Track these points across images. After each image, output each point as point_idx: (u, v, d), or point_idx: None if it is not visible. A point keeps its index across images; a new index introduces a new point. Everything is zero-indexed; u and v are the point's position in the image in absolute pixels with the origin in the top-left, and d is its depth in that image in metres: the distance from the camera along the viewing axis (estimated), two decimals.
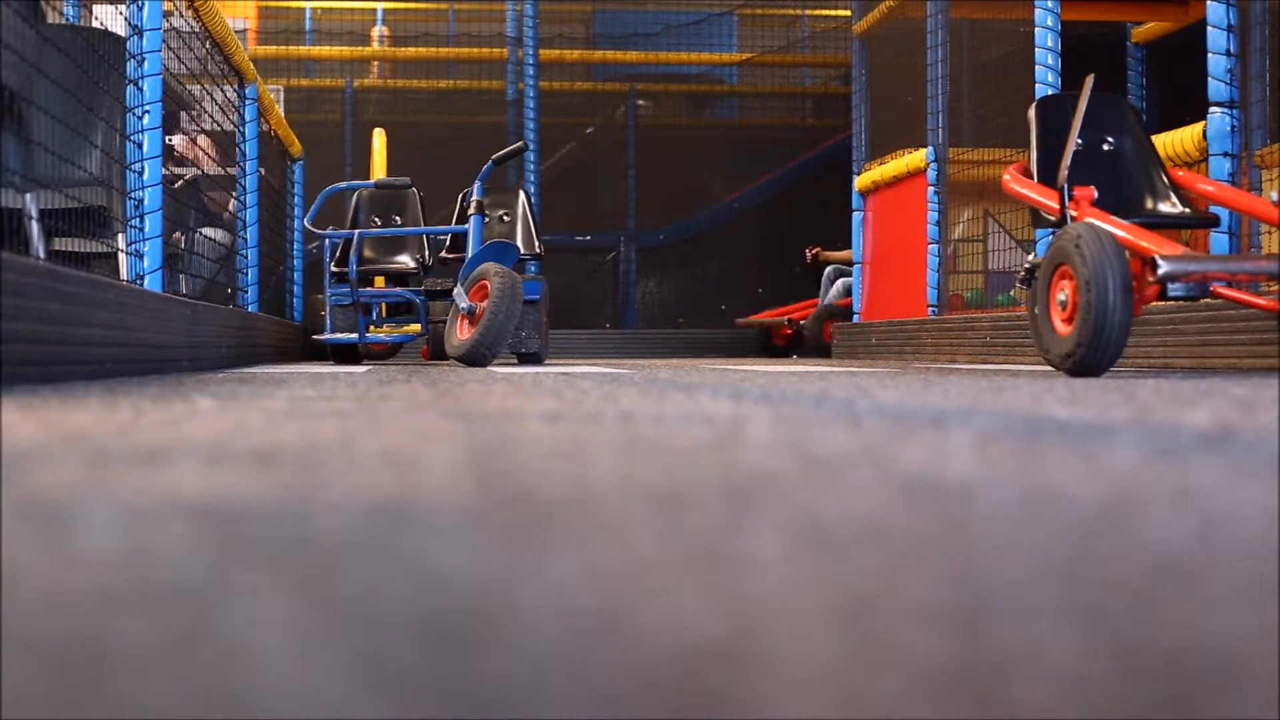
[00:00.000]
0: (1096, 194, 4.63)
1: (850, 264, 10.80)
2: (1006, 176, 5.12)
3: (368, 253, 8.00)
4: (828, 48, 14.31)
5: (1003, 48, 8.79)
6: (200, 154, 7.40)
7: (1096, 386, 3.37)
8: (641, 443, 1.64)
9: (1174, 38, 8.54)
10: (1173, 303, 5.34)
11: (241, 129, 7.57)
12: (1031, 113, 5.16)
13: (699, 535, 0.92)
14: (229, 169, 7.70)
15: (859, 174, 9.93)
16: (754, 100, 14.60)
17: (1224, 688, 0.55)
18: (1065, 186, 4.62)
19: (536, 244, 8.29)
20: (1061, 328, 4.26)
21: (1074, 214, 4.58)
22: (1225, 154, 5.53)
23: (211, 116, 7.08)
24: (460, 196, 7.33)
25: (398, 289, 7.87)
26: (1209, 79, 5.57)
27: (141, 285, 4.66)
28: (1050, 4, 6.84)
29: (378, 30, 14.69)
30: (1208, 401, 2.54)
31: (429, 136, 13.59)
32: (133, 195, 4.72)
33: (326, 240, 7.65)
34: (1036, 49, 6.84)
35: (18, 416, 1.94)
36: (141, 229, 4.77)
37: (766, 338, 12.24)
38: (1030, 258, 4.65)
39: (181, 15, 5.93)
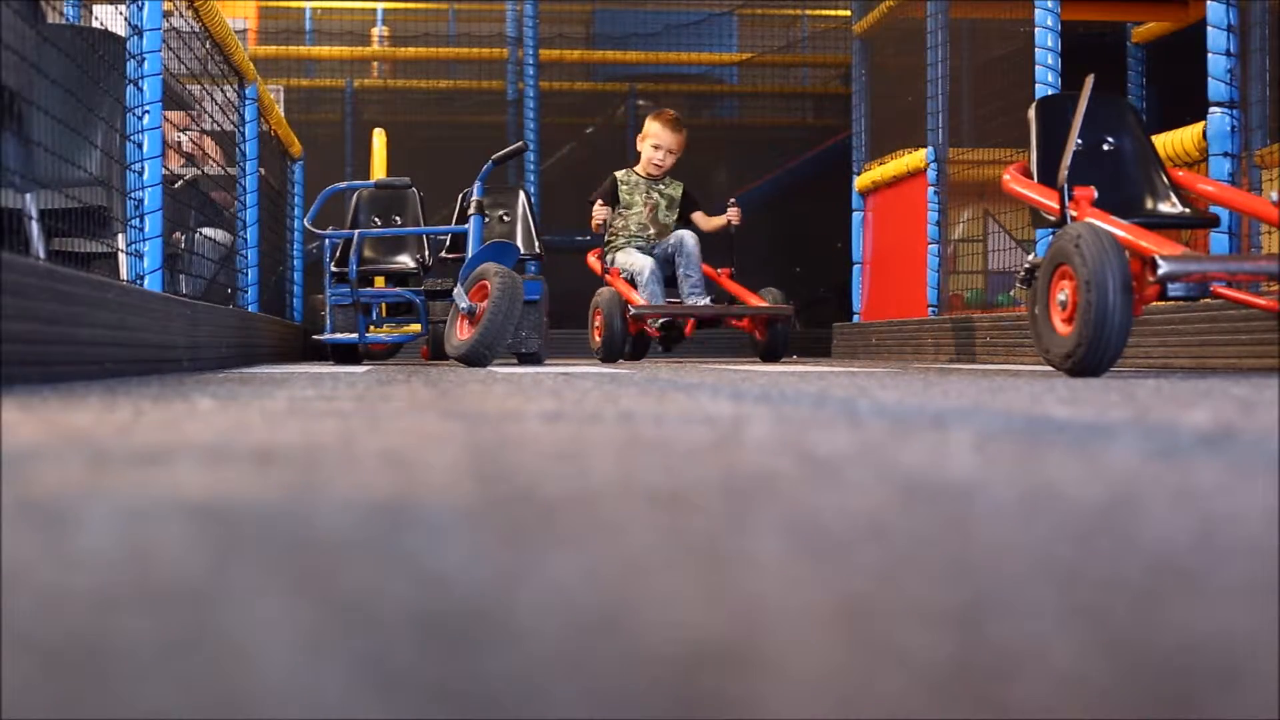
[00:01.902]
0: (1096, 194, 4.63)
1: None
2: (1006, 176, 5.12)
3: (368, 253, 8.01)
4: (828, 48, 14.30)
5: (1003, 48, 8.79)
6: (204, 153, 7.41)
7: (1096, 386, 3.37)
8: (642, 442, 1.64)
9: (1174, 38, 8.54)
10: (1173, 303, 5.34)
11: (241, 129, 7.57)
12: (1031, 113, 5.17)
13: (699, 535, 0.92)
14: (229, 169, 7.71)
15: (859, 174, 9.93)
16: (754, 100, 14.60)
17: (1224, 687, 0.55)
18: (1065, 186, 4.63)
19: (536, 244, 8.29)
20: (1061, 328, 4.26)
21: (1074, 214, 4.59)
22: (1225, 154, 5.53)
23: (211, 116, 7.08)
24: (460, 196, 7.33)
25: (398, 289, 7.87)
26: (1209, 79, 5.57)
27: (141, 285, 4.67)
28: (1050, 4, 6.84)
29: (378, 30, 14.69)
30: (1208, 401, 2.54)
31: (429, 136, 13.58)
32: (133, 195, 4.72)
33: (326, 240, 7.65)
34: (1036, 49, 6.84)
35: (18, 416, 1.94)
36: (141, 229, 4.77)
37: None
38: (1030, 258, 4.65)
39: (181, 15, 5.93)
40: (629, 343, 8.36)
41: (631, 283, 8.35)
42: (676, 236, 8.36)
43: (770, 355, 8.26)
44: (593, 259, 8.72)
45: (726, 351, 10.38)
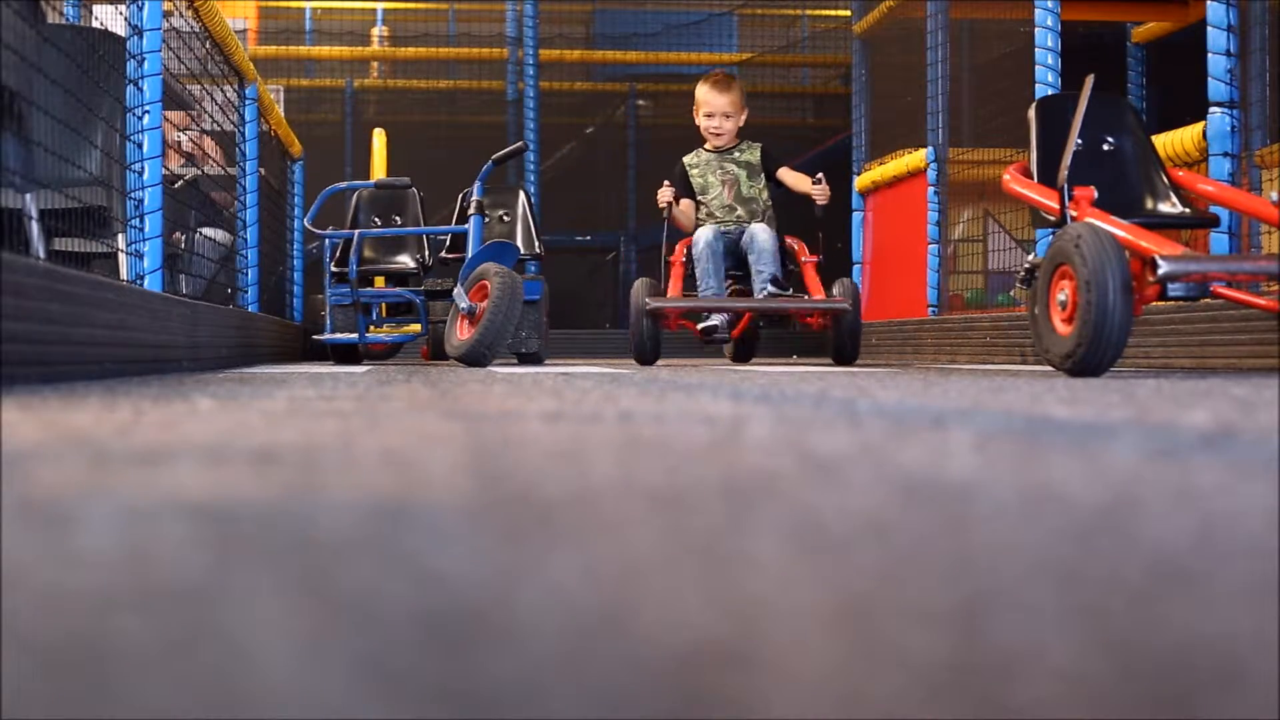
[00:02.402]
0: (1096, 194, 4.63)
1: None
2: (1006, 176, 5.12)
3: (368, 253, 8.01)
4: (828, 48, 14.30)
5: (1003, 48, 8.79)
6: (204, 153, 7.41)
7: (1096, 386, 3.37)
8: (641, 442, 1.64)
9: (1174, 38, 8.54)
10: (1173, 303, 5.34)
11: (241, 129, 7.57)
12: (1031, 113, 5.16)
13: (699, 535, 0.92)
14: (229, 169, 7.71)
15: (859, 174, 9.93)
16: (754, 100, 14.58)
17: (1224, 688, 0.55)
18: (1065, 186, 4.63)
19: (536, 244, 8.29)
20: (1061, 328, 4.26)
21: (1074, 214, 4.59)
22: (1225, 154, 5.53)
23: (211, 116, 7.08)
24: (460, 196, 7.33)
25: (398, 289, 7.87)
26: (1209, 79, 5.57)
27: (141, 285, 4.67)
28: (1050, 4, 6.85)
29: (378, 30, 14.70)
30: (1208, 401, 2.54)
31: (429, 136, 13.59)
32: (133, 195, 4.72)
33: (326, 240, 7.66)
34: (1036, 49, 6.84)
35: (18, 416, 1.94)
36: (141, 229, 4.77)
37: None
38: (1030, 258, 4.65)
39: (181, 15, 5.93)
40: (733, 337, 7.55)
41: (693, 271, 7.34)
42: (748, 232, 7.30)
43: (838, 356, 7.22)
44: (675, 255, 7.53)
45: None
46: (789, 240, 7.50)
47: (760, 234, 7.27)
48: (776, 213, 7.60)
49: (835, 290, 7.14)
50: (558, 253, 10.47)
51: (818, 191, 7.26)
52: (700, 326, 7.26)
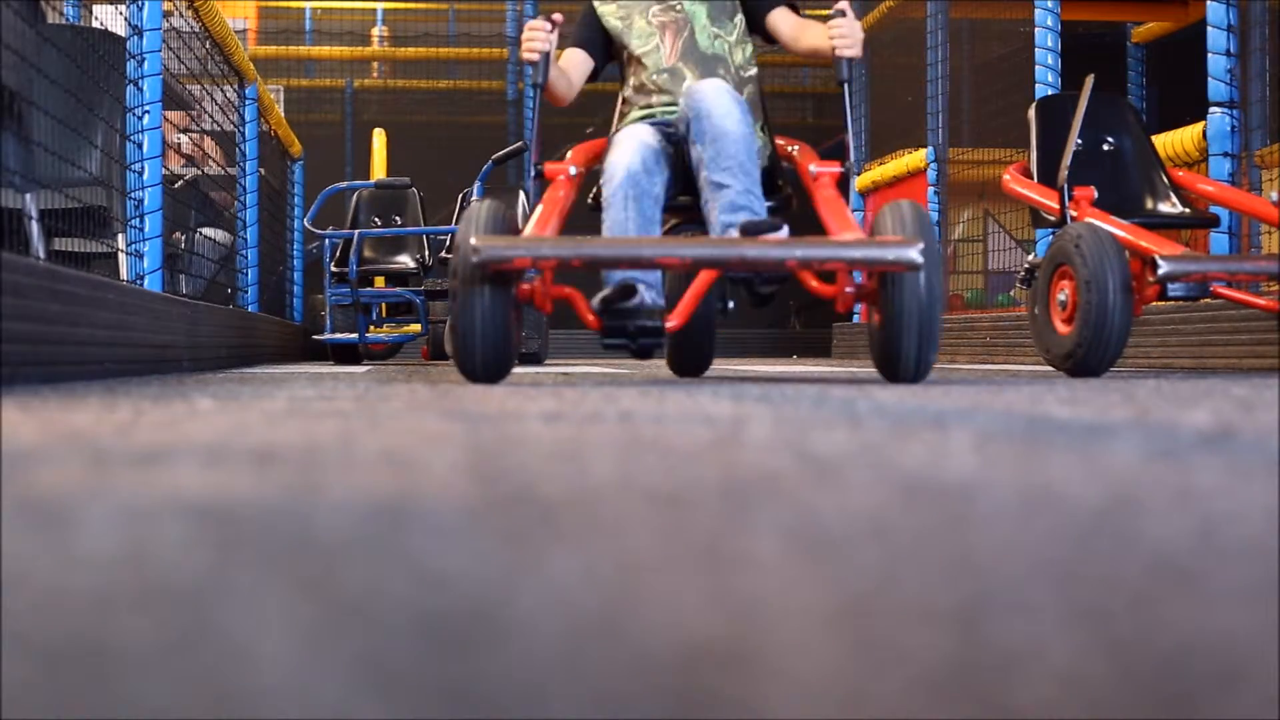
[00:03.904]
0: (1096, 194, 4.63)
1: None
2: (1006, 176, 5.12)
3: (368, 253, 8.01)
4: None
5: (1003, 48, 8.80)
6: (204, 153, 7.41)
7: (1096, 386, 3.37)
8: (641, 443, 1.64)
9: (1174, 38, 8.55)
10: (1173, 303, 5.34)
11: (241, 129, 7.57)
12: (1031, 113, 5.17)
13: (699, 535, 0.92)
14: (229, 169, 7.72)
15: (859, 174, 9.93)
16: None
17: (1224, 688, 0.55)
18: (1065, 186, 4.63)
19: None
20: (1061, 328, 4.27)
21: (1074, 214, 4.59)
22: (1225, 154, 5.53)
23: (211, 116, 7.08)
24: (460, 196, 7.32)
25: (397, 289, 7.88)
26: (1209, 79, 5.57)
27: (141, 285, 4.67)
28: (1050, 4, 6.85)
29: (378, 30, 14.70)
30: (1208, 401, 2.54)
31: (429, 136, 13.59)
32: (133, 195, 4.72)
33: (326, 240, 7.66)
34: (1036, 49, 6.84)
35: (18, 416, 1.94)
36: (141, 229, 4.77)
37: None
38: (1030, 258, 4.66)
39: (181, 15, 5.93)
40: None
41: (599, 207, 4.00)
42: (690, 95, 3.85)
43: (889, 362, 3.52)
44: (557, 163, 4.28)
45: (725, 352, 10.26)
46: (780, 142, 4.20)
47: (717, 104, 3.78)
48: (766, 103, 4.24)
49: (888, 223, 3.62)
50: None
51: (839, 32, 4.02)
52: (600, 296, 3.68)
